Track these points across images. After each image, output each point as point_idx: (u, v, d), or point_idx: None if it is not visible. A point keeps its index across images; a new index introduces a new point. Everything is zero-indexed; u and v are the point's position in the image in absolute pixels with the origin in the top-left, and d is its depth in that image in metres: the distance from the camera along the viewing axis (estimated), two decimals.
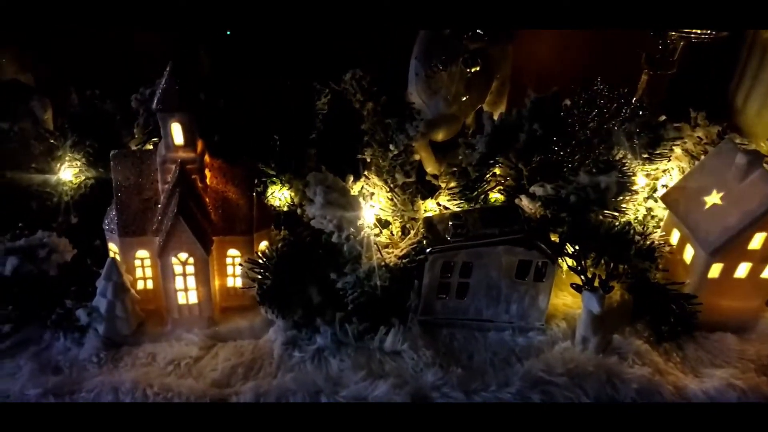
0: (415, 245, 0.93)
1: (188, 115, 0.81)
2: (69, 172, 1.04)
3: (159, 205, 0.86)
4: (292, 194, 1.04)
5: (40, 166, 1.02)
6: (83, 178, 1.00)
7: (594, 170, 0.99)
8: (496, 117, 1.22)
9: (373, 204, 1.02)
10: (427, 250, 0.91)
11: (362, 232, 0.89)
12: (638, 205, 1.10)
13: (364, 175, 1.04)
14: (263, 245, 0.93)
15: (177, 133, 0.82)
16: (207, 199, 0.87)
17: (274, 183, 1.06)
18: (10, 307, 0.86)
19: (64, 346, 0.87)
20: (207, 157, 0.87)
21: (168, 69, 0.79)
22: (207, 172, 0.87)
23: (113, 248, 0.90)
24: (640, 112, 1.02)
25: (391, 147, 0.96)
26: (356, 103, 1.10)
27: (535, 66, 1.39)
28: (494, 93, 1.21)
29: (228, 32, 1.03)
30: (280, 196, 1.06)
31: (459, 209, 1.04)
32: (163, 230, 0.84)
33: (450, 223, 0.91)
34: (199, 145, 0.85)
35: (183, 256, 0.86)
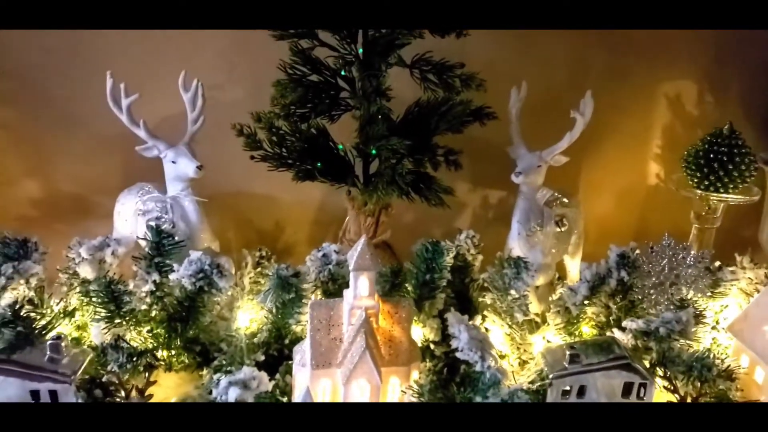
0: (539, 372, 1.16)
1: (373, 273, 1.08)
2: (245, 317, 1.30)
3: (343, 343, 1.10)
4: (426, 332, 1.28)
5: (223, 315, 1.28)
6: (261, 326, 1.25)
7: (672, 308, 1.24)
8: (576, 262, 1.51)
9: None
10: (551, 376, 1.13)
11: (499, 362, 1.12)
12: (705, 334, 1.33)
13: (483, 315, 1.30)
14: (415, 375, 1.16)
15: (363, 286, 1.08)
16: (378, 337, 1.12)
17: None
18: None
19: None
20: (381, 303, 1.12)
21: (362, 240, 1.07)
22: (380, 315, 1.12)
23: (300, 378, 1.13)
24: (701, 260, 1.29)
25: (512, 292, 1.22)
26: (469, 256, 1.38)
27: (600, 221, 1.70)
28: (573, 245, 1.49)
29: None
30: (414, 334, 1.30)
31: (562, 341, 1.28)
32: (348, 362, 1.08)
33: (567, 353, 1.14)
34: (375, 295, 1.11)
35: (362, 383, 1.08)
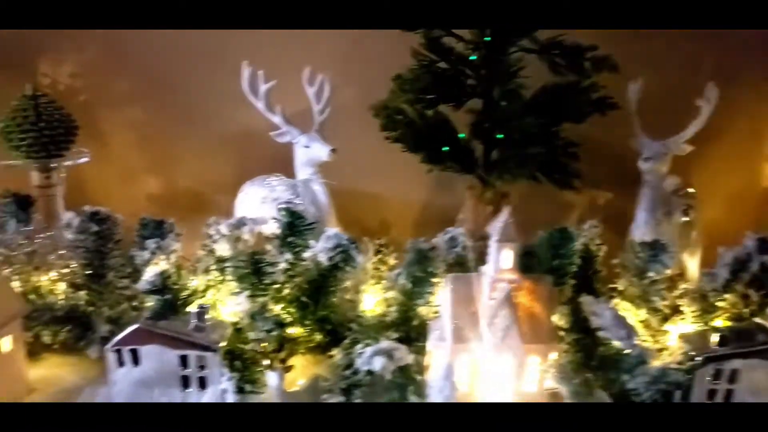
0: (684, 354, 1.12)
1: (517, 245, 1.07)
2: (370, 302, 1.31)
3: (483, 317, 1.09)
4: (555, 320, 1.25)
5: (349, 298, 1.29)
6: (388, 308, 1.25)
7: None
8: (695, 261, 1.47)
9: None
10: (701, 357, 1.08)
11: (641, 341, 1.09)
12: None
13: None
14: (553, 355, 1.13)
15: (507, 258, 1.08)
16: (519, 312, 1.10)
17: None
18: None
19: None
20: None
21: (506, 211, 1.07)
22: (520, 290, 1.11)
23: (438, 354, 1.12)
24: None
25: (651, 274, 1.19)
26: (593, 246, 1.36)
27: (712, 225, 1.66)
28: (693, 241, 1.46)
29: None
30: None
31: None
32: (492, 336, 1.06)
33: (716, 335, 1.10)
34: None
35: (506, 357, 1.06)
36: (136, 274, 1.24)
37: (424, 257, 1.18)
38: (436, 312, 1.24)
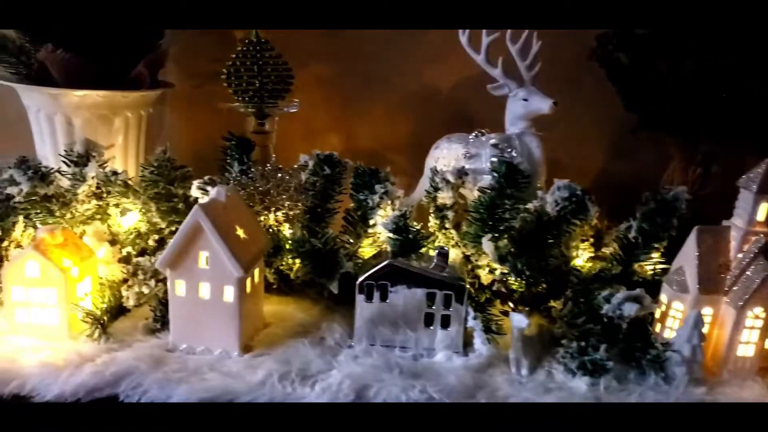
0: None
1: None
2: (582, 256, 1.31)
3: (731, 270, 1.09)
4: None
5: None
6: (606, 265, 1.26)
7: None
8: None
9: None
10: None
11: None
12: None
13: None
14: None
15: (762, 211, 1.07)
16: None
17: None
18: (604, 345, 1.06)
19: (654, 383, 1.05)
20: None
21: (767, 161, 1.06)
22: None
23: (676, 305, 1.12)
24: None
25: None
26: None
27: None
28: None
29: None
30: None
31: None
32: (743, 288, 1.06)
33: None
34: None
35: (757, 311, 1.06)
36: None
37: (668, 207, 1.17)
38: (653, 269, 1.25)
